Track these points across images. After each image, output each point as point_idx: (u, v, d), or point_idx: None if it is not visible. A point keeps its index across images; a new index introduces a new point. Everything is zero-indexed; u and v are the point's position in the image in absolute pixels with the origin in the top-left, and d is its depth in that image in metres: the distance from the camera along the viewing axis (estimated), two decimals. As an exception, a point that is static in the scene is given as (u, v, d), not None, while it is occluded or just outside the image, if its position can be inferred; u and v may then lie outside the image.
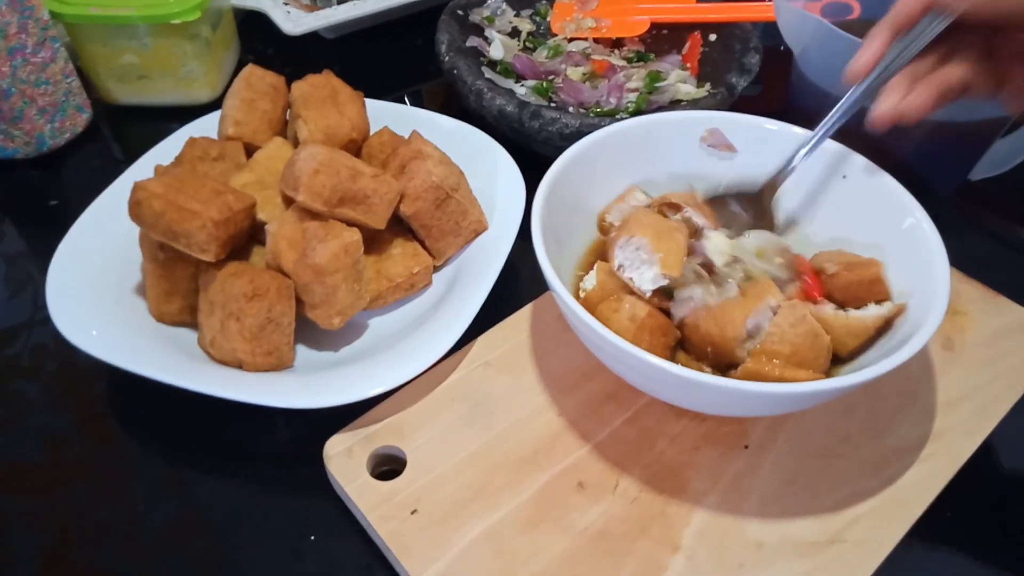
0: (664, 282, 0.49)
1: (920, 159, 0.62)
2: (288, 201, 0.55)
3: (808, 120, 0.58)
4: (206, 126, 0.65)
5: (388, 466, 0.50)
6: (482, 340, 0.56)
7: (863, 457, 0.50)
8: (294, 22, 0.81)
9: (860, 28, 0.62)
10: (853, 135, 0.57)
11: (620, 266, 0.51)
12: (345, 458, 0.48)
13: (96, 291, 0.54)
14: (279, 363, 0.52)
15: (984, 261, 0.67)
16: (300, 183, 0.51)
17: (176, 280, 0.53)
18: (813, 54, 0.66)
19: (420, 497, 0.47)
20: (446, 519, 0.46)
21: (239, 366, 0.51)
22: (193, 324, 0.54)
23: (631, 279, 0.50)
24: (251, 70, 0.62)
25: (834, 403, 0.52)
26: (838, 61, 0.63)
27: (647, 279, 0.49)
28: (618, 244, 0.51)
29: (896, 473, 0.49)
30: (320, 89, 0.60)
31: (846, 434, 0.51)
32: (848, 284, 0.51)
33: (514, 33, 0.82)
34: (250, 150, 0.60)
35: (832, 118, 0.53)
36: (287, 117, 0.64)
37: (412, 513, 0.46)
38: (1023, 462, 0.52)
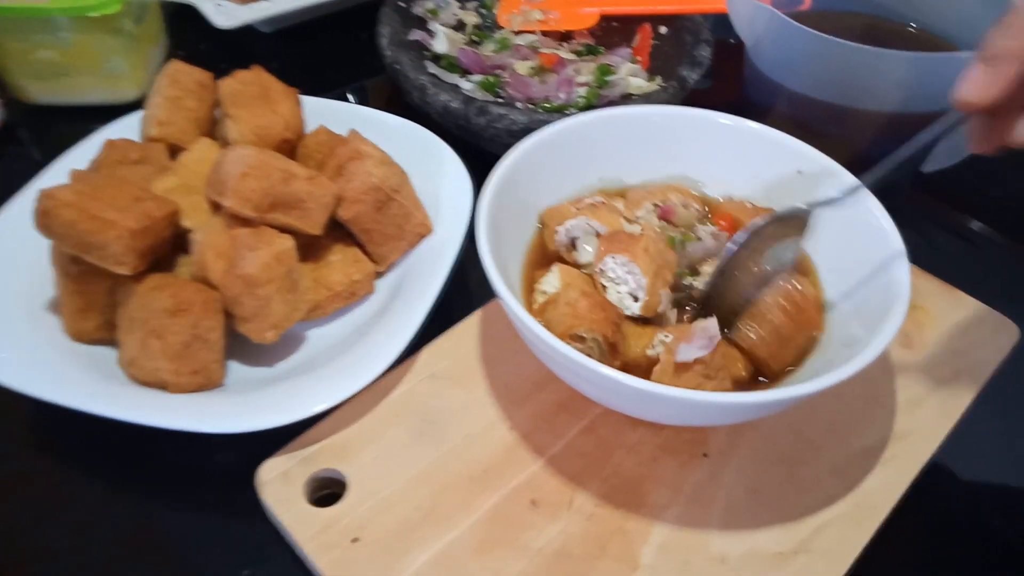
0: (636, 315, 0.49)
1: (873, 151, 0.61)
2: (216, 207, 0.51)
3: (761, 114, 0.56)
4: (128, 127, 0.61)
5: (329, 490, 0.46)
6: (428, 351, 0.53)
7: (827, 461, 0.48)
8: (226, 15, 0.77)
9: (813, 20, 0.60)
10: (805, 127, 0.55)
11: (602, 270, 0.49)
12: (280, 484, 0.45)
13: (5, 308, 0.50)
14: (207, 382, 0.48)
15: (939, 255, 0.66)
16: (227, 187, 0.48)
17: (92, 295, 0.49)
18: (766, 46, 0.64)
19: (363, 523, 0.44)
20: (392, 545, 0.43)
21: (163, 387, 0.47)
22: (114, 341, 0.50)
23: (605, 286, 0.49)
24: (176, 66, 0.58)
25: (794, 407, 0.50)
26: (791, 53, 0.62)
27: (626, 304, 0.48)
28: (614, 257, 0.49)
29: (860, 476, 0.48)
30: (250, 86, 0.56)
31: (809, 438, 0.50)
32: None
33: (459, 26, 0.79)
34: (176, 152, 0.56)
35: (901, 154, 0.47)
36: (216, 116, 0.60)
37: (354, 541, 0.43)
38: (984, 459, 0.52)
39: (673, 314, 0.50)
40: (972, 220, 0.71)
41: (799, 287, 0.49)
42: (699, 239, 0.51)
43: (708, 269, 0.51)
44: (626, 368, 0.47)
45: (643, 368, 0.47)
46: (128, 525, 0.47)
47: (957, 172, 0.66)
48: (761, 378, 0.48)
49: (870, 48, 0.55)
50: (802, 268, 0.52)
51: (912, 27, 0.66)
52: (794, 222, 0.49)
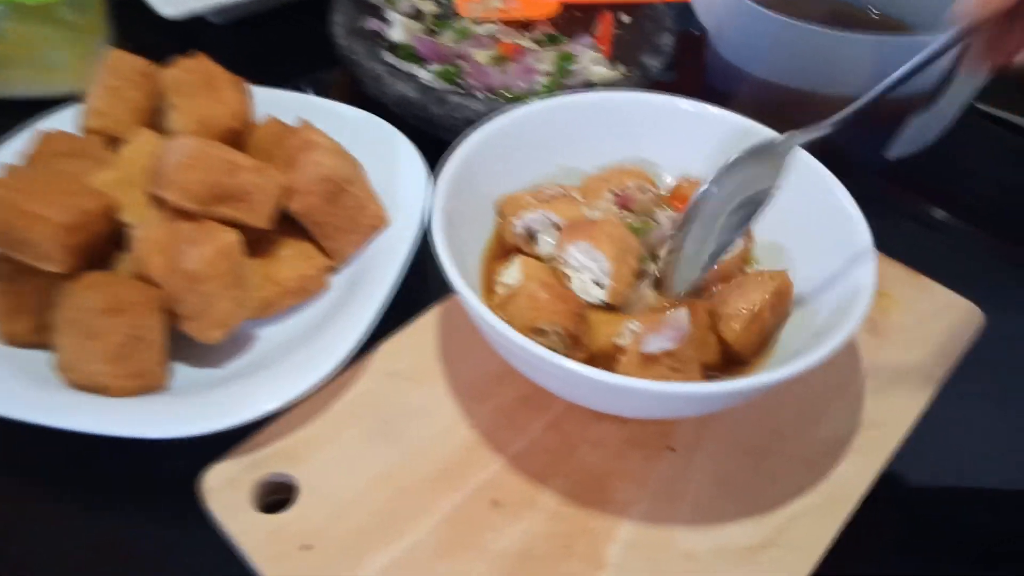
0: (602, 302, 0.47)
1: (836, 136, 0.60)
2: (157, 201, 0.48)
3: (725, 101, 0.55)
4: (66, 120, 0.58)
5: (281, 495, 0.44)
6: (385, 348, 0.51)
7: (794, 451, 0.47)
8: (172, 4, 0.74)
9: (775, 5, 0.59)
10: (768, 113, 0.54)
11: (564, 259, 0.48)
12: (227, 490, 0.43)
13: (-70, 311, 0.47)
14: (149, 385, 0.45)
15: (904, 241, 0.65)
16: (167, 179, 0.45)
17: (24, 296, 0.46)
18: (728, 32, 0.63)
19: (315, 529, 0.42)
20: (346, 553, 0.41)
21: (102, 391, 0.45)
22: (49, 344, 0.47)
23: (569, 275, 0.47)
24: (115, 54, 0.55)
25: (761, 397, 0.49)
26: (754, 38, 0.61)
27: (591, 292, 0.47)
28: (576, 244, 0.47)
29: (829, 466, 0.47)
30: (193, 74, 0.53)
31: (776, 428, 0.48)
32: None
33: (417, 15, 0.77)
34: (115, 145, 0.53)
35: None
36: (161, 107, 0.57)
37: (305, 549, 0.41)
38: (952, 445, 0.51)
39: (651, 295, 0.48)
40: (936, 206, 0.70)
41: (787, 281, 0.48)
42: (659, 224, 0.50)
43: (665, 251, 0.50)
44: (594, 358, 0.46)
45: (611, 357, 0.45)
46: (69, 536, 0.44)
47: (921, 158, 0.65)
48: (732, 363, 0.47)
49: (833, 32, 0.54)
50: (776, 257, 0.51)
51: (874, 13, 0.65)
52: (767, 159, 0.45)
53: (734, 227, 0.47)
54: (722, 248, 0.47)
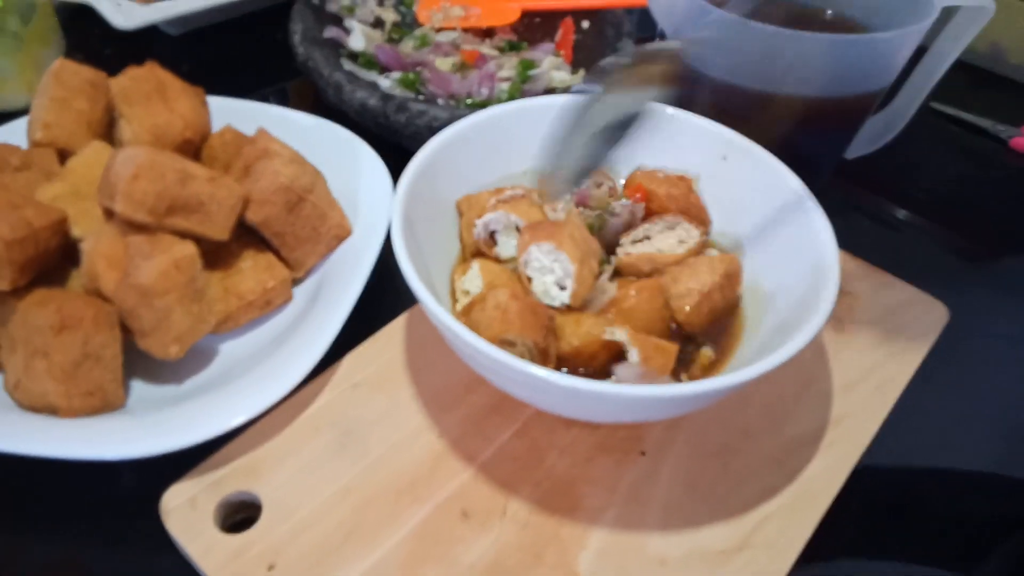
0: (564, 305, 0.46)
1: (798, 137, 0.61)
2: (109, 214, 0.47)
3: (683, 103, 0.55)
4: (13, 133, 0.56)
5: (245, 514, 0.43)
6: (351, 358, 0.50)
7: (764, 451, 0.47)
8: (126, 15, 0.72)
9: (733, 5, 0.59)
10: (727, 115, 0.55)
11: (527, 261, 0.47)
12: (188, 510, 0.41)
13: None
14: (104, 404, 0.44)
15: (864, 239, 0.66)
16: (117, 191, 0.44)
17: (-32, 314, 0.44)
18: (686, 35, 0.63)
19: (280, 547, 0.40)
20: (311, 569, 0.40)
21: (53, 412, 0.43)
22: (-4, 365, 0.46)
23: (531, 277, 0.47)
24: (62, 64, 0.53)
25: (729, 397, 0.49)
26: (711, 39, 0.61)
27: (553, 295, 0.46)
28: (539, 245, 0.46)
29: (800, 465, 0.47)
30: (143, 82, 0.52)
31: (745, 428, 0.48)
32: (670, 198, 0.52)
33: (377, 24, 0.77)
34: (66, 157, 0.52)
35: None
36: (114, 118, 0.56)
37: (269, 569, 0.39)
38: (923, 441, 0.51)
39: (611, 287, 0.48)
40: (895, 204, 0.71)
41: (737, 264, 0.49)
42: (615, 215, 0.50)
43: (625, 240, 0.49)
44: (559, 362, 0.45)
45: (585, 356, 0.45)
46: (21, 562, 0.42)
47: (879, 157, 0.66)
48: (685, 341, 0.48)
49: (791, 31, 0.54)
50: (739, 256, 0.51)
51: (828, 14, 0.66)
52: (657, 67, 0.41)
53: (612, 140, 0.43)
54: (596, 161, 0.43)
